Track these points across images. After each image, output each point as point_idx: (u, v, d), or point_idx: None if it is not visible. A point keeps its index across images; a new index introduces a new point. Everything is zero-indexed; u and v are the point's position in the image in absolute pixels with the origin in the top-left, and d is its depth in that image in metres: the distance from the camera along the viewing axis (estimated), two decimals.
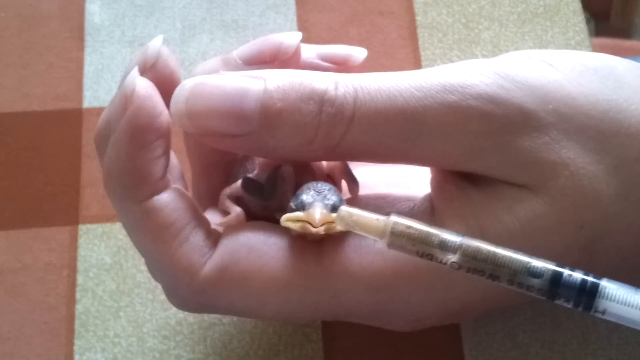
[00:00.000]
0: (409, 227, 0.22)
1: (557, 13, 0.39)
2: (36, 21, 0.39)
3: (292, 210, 0.23)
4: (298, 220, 0.23)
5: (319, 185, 0.24)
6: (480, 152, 0.23)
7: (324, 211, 0.23)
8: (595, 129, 0.23)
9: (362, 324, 0.26)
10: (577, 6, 0.39)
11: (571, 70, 0.24)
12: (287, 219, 0.23)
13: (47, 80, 0.37)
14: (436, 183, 0.25)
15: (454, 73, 0.23)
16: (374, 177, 0.28)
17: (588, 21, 0.40)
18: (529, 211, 0.23)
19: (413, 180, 0.27)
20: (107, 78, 0.37)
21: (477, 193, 0.24)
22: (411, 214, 0.25)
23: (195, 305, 0.25)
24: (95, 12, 0.39)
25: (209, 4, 0.39)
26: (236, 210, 0.26)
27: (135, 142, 0.24)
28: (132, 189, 0.24)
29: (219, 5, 0.39)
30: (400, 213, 0.25)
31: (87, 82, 0.37)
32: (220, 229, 0.25)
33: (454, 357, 0.31)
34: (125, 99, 0.24)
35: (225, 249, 0.24)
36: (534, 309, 0.32)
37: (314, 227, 0.23)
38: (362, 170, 0.27)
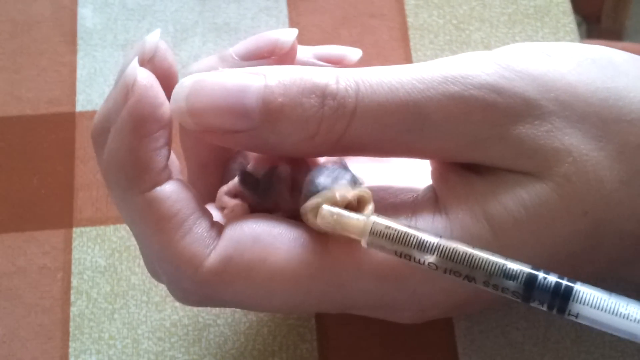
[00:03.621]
0: (388, 227, 0.22)
1: (547, 14, 0.39)
2: (29, 25, 0.39)
3: (309, 197, 0.23)
4: (325, 202, 0.23)
5: (328, 169, 0.24)
6: (484, 142, 0.23)
7: (348, 188, 0.23)
8: (596, 116, 0.23)
9: (360, 320, 0.26)
10: (567, 7, 0.39)
11: (570, 60, 0.24)
12: (311, 208, 0.23)
13: (40, 84, 0.37)
14: (438, 174, 0.25)
15: (455, 64, 0.23)
16: (373, 172, 0.28)
17: (579, 24, 0.40)
18: (534, 197, 0.23)
19: (413, 174, 0.27)
20: (100, 82, 0.38)
21: (481, 181, 0.24)
22: (415, 204, 0.25)
23: (198, 297, 0.25)
24: (87, 16, 0.39)
25: (201, 7, 0.39)
26: (238, 202, 0.26)
27: (137, 132, 0.23)
28: (135, 180, 0.24)
29: (211, 9, 0.39)
30: (404, 204, 0.25)
31: (79, 85, 0.37)
32: (223, 221, 0.25)
33: (447, 355, 0.31)
34: (127, 90, 0.23)
35: (229, 239, 0.24)
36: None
37: (342, 200, 0.23)
38: (362, 166, 0.27)
